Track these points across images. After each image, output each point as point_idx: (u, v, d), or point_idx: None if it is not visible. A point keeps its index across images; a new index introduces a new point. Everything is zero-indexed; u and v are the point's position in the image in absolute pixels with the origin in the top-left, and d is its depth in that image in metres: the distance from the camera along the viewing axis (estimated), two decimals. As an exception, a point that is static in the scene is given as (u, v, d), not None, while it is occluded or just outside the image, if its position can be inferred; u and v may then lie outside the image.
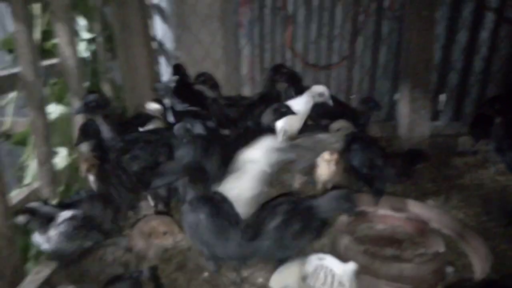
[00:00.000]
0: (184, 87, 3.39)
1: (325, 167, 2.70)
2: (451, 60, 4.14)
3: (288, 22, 4.10)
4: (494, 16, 3.89)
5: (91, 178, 2.31)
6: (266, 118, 2.74)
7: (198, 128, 2.63)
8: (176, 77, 3.32)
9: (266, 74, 3.82)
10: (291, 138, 3.03)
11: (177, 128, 2.53)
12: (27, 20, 2.23)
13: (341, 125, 2.88)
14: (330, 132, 2.91)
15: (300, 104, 3.01)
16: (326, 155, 2.68)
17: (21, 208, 2.00)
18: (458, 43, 4.06)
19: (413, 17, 3.59)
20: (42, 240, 2.00)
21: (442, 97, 4.34)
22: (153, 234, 2.01)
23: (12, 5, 2.16)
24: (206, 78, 3.49)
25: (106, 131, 2.45)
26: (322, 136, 2.96)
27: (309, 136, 3.01)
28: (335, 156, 2.66)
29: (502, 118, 2.52)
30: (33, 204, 2.02)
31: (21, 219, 1.97)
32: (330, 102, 3.04)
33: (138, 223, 2.10)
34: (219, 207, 1.97)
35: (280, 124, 2.89)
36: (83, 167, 2.33)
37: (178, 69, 3.65)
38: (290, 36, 4.15)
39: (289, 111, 2.75)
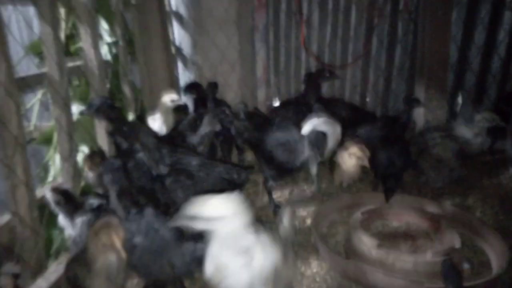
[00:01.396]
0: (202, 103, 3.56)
1: (350, 162, 2.56)
2: (468, 60, 4.12)
3: (301, 21, 4.15)
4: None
5: (91, 175, 2.37)
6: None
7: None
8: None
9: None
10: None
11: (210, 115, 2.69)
12: (54, 22, 2.35)
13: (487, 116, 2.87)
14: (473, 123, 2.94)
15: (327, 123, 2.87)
16: (352, 149, 2.54)
17: (56, 187, 2.05)
18: (475, 43, 4.04)
19: (428, 17, 3.60)
20: (67, 225, 2.07)
21: (460, 99, 4.32)
22: (98, 242, 1.63)
23: (39, 7, 2.29)
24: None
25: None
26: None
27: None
28: (360, 148, 2.52)
29: None
30: (66, 186, 2.08)
31: (53, 197, 2.02)
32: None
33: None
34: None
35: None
36: (85, 165, 2.40)
37: (192, 87, 3.75)
38: (303, 35, 4.19)
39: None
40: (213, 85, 3.59)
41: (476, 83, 4.15)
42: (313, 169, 3.00)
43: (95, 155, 2.43)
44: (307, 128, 2.91)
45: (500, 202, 2.90)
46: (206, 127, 2.80)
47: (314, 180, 3.19)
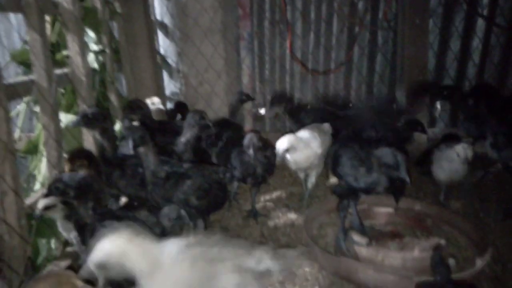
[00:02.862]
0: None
1: None
2: (445, 67, 4.30)
3: (288, 28, 4.25)
4: (484, 24, 4.07)
5: None
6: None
7: None
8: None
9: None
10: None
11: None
12: (42, 29, 2.35)
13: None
14: None
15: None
16: None
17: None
18: (451, 50, 4.23)
19: (406, 26, 3.76)
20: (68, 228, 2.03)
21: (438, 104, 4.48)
22: None
23: (27, 14, 2.29)
24: None
25: (104, 144, 2.48)
26: None
27: None
28: None
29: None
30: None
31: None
32: None
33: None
34: None
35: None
36: (66, 166, 2.39)
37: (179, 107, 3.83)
38: (290, 41, 4.29)
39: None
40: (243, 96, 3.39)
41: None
42: (312, 179, 3.06)
43: (78, 156, 2.37)
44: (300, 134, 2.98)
45: (480, 201, 3.02)
46: (185, 133, 2.81)
47: (308, 190, 3.14)
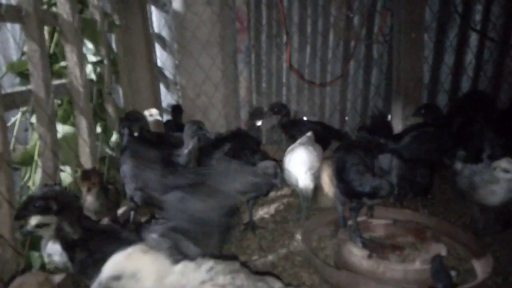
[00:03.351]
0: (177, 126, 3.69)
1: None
2: (440, 80, 4.36)
3: (288, 40, 4.29)
4: (478, 38, 4.15)
5: (89, 199, 2.34)
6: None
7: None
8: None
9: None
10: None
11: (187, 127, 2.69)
12: (41, 40, 2.35)
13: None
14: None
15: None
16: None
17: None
18: (445, 64, 4.29)
19: (402, 40, 3.82)
20: (54, 251, 1.97)
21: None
22: None
23: (26, 25, 2.28)
24: None
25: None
26: None
27: None
28: None
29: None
30: None
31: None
32: None
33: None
34: None
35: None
36: (84, 185, 2.36)
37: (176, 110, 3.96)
38: (289, 53, 4.32)
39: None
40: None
41: (448, 102, 4.37)
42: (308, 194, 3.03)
43: (92, 173, 2.34)
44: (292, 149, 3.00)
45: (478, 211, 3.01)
46: (187, 145, 2.79)
47: (304, 205, 3.13)
